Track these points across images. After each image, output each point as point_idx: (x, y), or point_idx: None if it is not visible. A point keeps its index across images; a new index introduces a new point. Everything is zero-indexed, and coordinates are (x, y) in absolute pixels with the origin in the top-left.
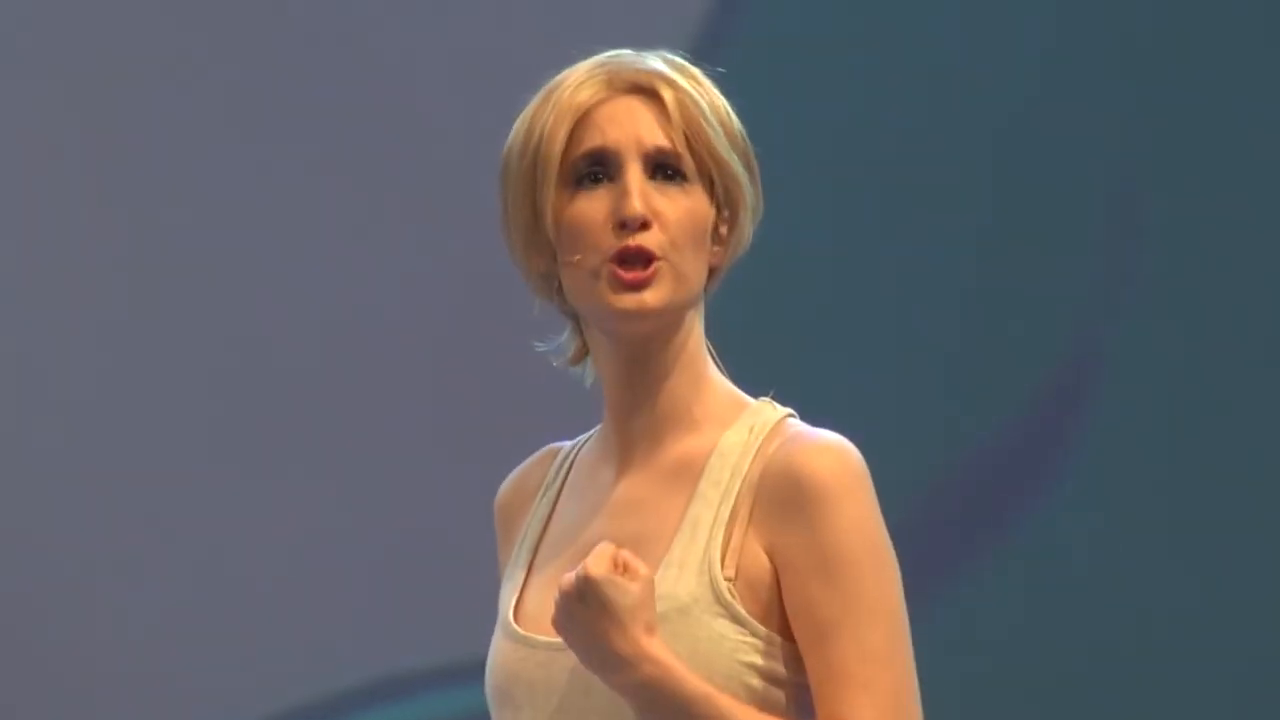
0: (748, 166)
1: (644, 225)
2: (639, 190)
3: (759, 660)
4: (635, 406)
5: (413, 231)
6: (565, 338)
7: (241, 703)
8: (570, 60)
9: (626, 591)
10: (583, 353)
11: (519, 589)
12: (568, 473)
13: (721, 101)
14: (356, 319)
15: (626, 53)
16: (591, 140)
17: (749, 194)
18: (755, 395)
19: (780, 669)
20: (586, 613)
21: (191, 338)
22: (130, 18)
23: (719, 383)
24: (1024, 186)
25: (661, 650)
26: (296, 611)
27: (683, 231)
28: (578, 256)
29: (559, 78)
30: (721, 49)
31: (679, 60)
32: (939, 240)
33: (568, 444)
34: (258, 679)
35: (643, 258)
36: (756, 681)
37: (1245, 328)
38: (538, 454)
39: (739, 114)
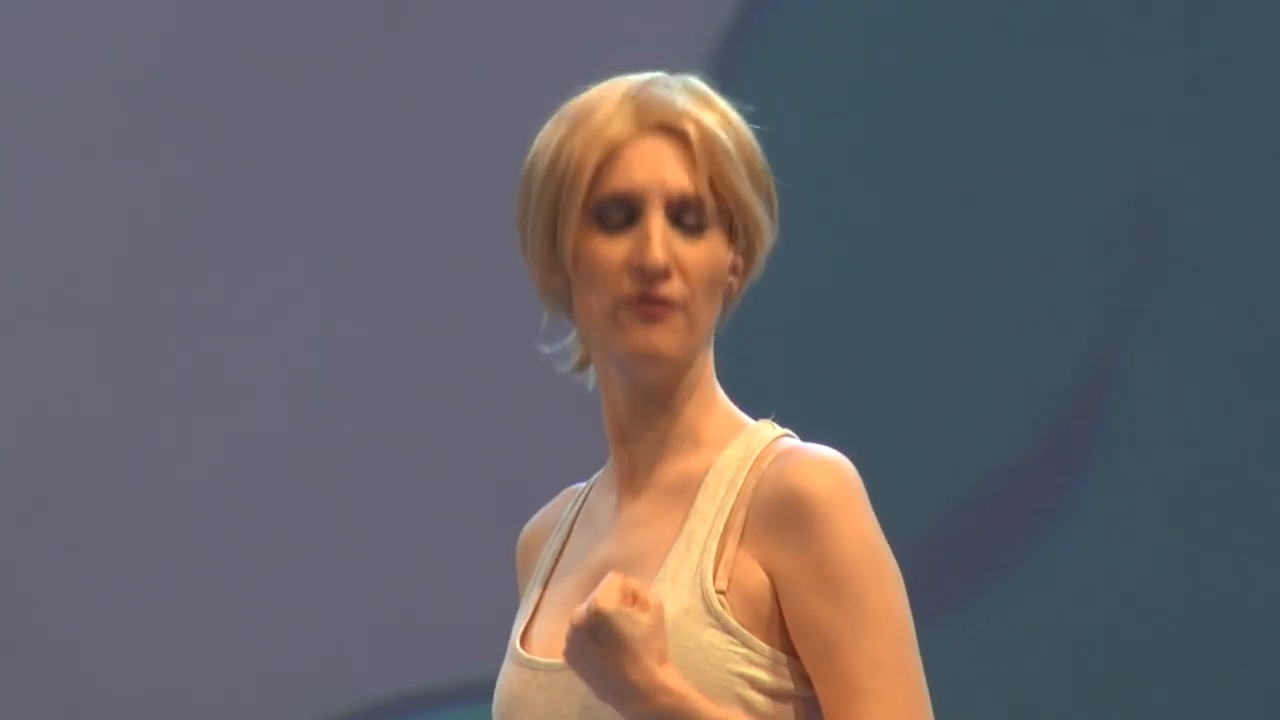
0: (768, 203)
1: (665, 274)
2: (662, 239)
3: (753, 672)
4: (639, 431)
5: (435, 240)
6: (570, 341)
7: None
8: (590, 74)
9: (638, 623)
10: (587, 359)
11: (528, 616)
12: (580, 508)
13: (747, 136)
14: (382, 332)
15: (657, 80)
16: (617, 181)
17: (769, 235)
18: (758, 416)
19: (785, 684)
20: (599, 647)
21: (214, 350)
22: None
23: (723, 406)
24: (1041, 205)
25: (676, 679)
26: (316, 625)
27: (702, 280)
28: (594, 298)
29: (586, 101)
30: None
31: (706, 93)
32: (953, 259)
33: (583, 485)
34: (278, 693)
35: (660, 303)
36: (752, 694)
37: (1266, 348)
38: (558, 496)
39: (755, 121)
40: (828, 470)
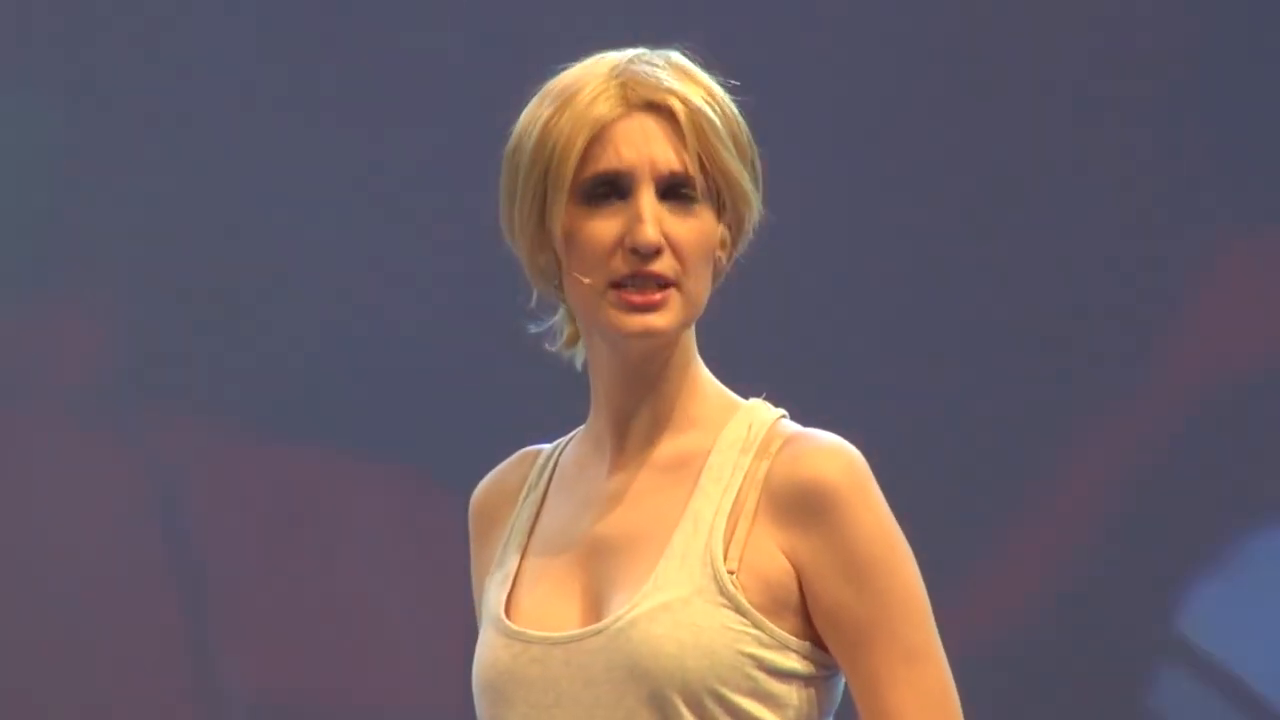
0: (754, 176)
1: (657, 252)
2: (653, 216)
3: (762, 653)
4: (632, 408)
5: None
6: (558, 319)
7: None
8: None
9: None
10: (575, 337)
11: (509, 586)
12: (552, 473)
13: (732, 110)
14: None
15: (640, 57)
16: (606, 161)
17: (756, 207)
18: (748, 396)
19: (792, 665)
20: None
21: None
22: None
23: (711, 383)
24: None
25: None
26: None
27: (694, 255)
28: (587, 279)
29: (570, 80)
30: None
31: (689, 68)
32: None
33: (547, 446)
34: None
35: (654, 281)
36: (760, 674)
37: None
38: (515, 456)
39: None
40: (841, 458)
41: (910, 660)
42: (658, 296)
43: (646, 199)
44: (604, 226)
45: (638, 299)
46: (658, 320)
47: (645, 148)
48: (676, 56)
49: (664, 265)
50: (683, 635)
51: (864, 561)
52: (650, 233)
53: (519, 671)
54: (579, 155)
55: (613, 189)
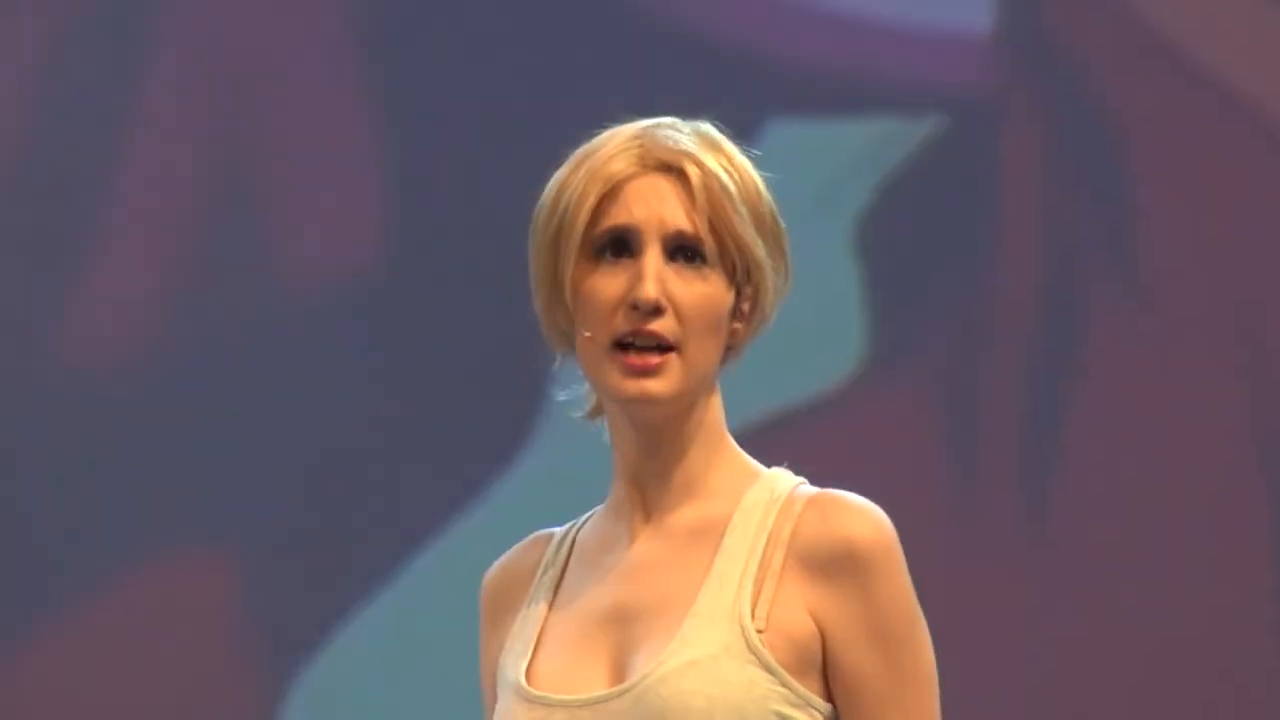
0: (774, 247)
1: (657, 310)
2: (655, 274)
3: (790, 712)
4: (651, 476)
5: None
6: (586, 391)
7: None
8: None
9: None
10: (600, 408)
11: (528, 656)
12: (570, 549)
13: (754, 181)
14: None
15: (666, 122)
16: (616, 216)
17: (771, 276)
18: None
19: None
20: None
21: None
22: None
23: (734, 452)
24: None
25: None
26: None
27: (698, 319)
28: (588, 333)
29: (595, 143)
30: None
31: (714, 137)
32: None
33: (559, 530)
34: None
35: (653, 343)
36: None
37: None
38: (526, 540)
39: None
40: (873, 518)
41: None
42: (655, 361)
43: (651, 257)
44: (610, 282)
45: (636, 362)
46: (654, 385)
47: (656, 206)
48: (705, 126)
49: (664, 325)
50: (712, 691)
51: (890, 633)
52: (650, 290)
53: None
54: (590, 210)
55: (622, 246)
